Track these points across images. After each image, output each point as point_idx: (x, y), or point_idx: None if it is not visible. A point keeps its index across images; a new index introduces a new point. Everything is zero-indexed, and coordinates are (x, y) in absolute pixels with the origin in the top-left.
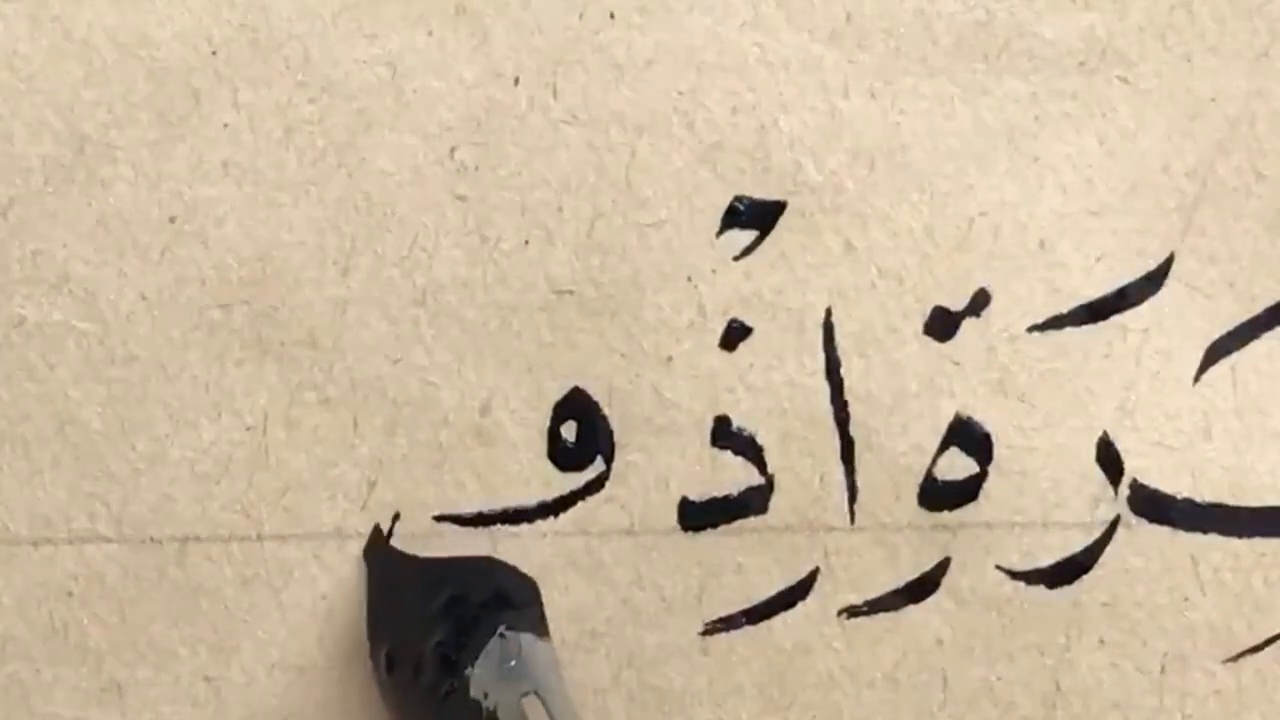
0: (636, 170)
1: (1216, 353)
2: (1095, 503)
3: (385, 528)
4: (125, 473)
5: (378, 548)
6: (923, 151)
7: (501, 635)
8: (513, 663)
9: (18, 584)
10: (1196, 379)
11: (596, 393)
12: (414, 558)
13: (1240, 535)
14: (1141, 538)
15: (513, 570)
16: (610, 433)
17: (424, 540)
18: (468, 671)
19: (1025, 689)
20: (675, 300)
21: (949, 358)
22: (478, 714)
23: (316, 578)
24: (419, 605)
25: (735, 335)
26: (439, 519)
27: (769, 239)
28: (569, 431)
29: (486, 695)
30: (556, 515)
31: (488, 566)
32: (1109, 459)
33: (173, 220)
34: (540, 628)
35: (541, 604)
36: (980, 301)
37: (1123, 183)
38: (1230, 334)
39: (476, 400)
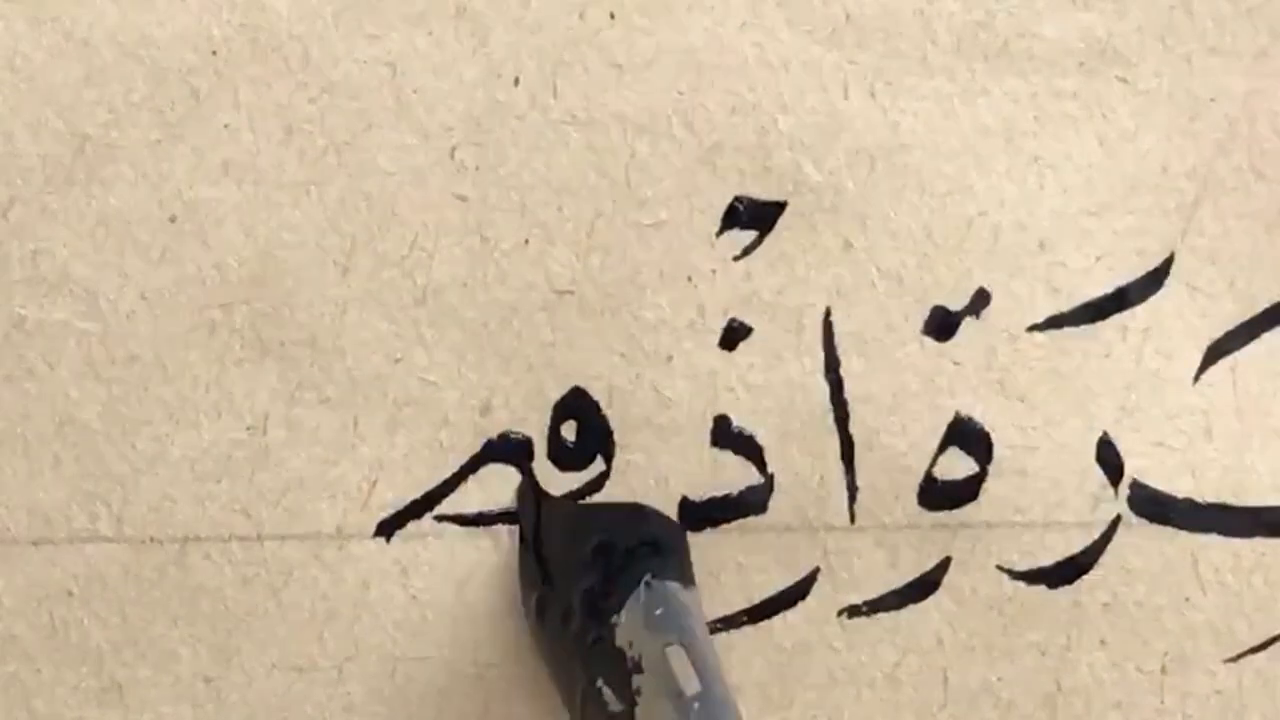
0: (636, 170)
1: (1216, 352)
2: (1095, 502)
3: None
4: (125, 472)
5: (528, 492)
6: (922, 151)
7: (647, 584)
8: (658, 611)
9: (18, 584)
10: (1196, 378)
11: (596, 392)
12: (563, 502)
13: (1241, 535)
14: (1142, 537)
15: (660, 516)
16: (610, 432)
17: (422, 540)
18: (614, 619)
19: (1026, 688)
20: (675, 300)
21: (949, 357)
22: (622, 663)
23: (316, 578)
24: (568, 551)
25: (735, 335)
26: (439, 519)
27: (769, 239)
28: (569, 431)
29: (631, 644)
30: None
31: (635, 513)
32: (1109, 459)
33: (173, 220)
34: (686, 575)
35: (688, 550)
36: (980, 301)
37: (1122, 183)
38: (1230, 333)
39: (477, 400)
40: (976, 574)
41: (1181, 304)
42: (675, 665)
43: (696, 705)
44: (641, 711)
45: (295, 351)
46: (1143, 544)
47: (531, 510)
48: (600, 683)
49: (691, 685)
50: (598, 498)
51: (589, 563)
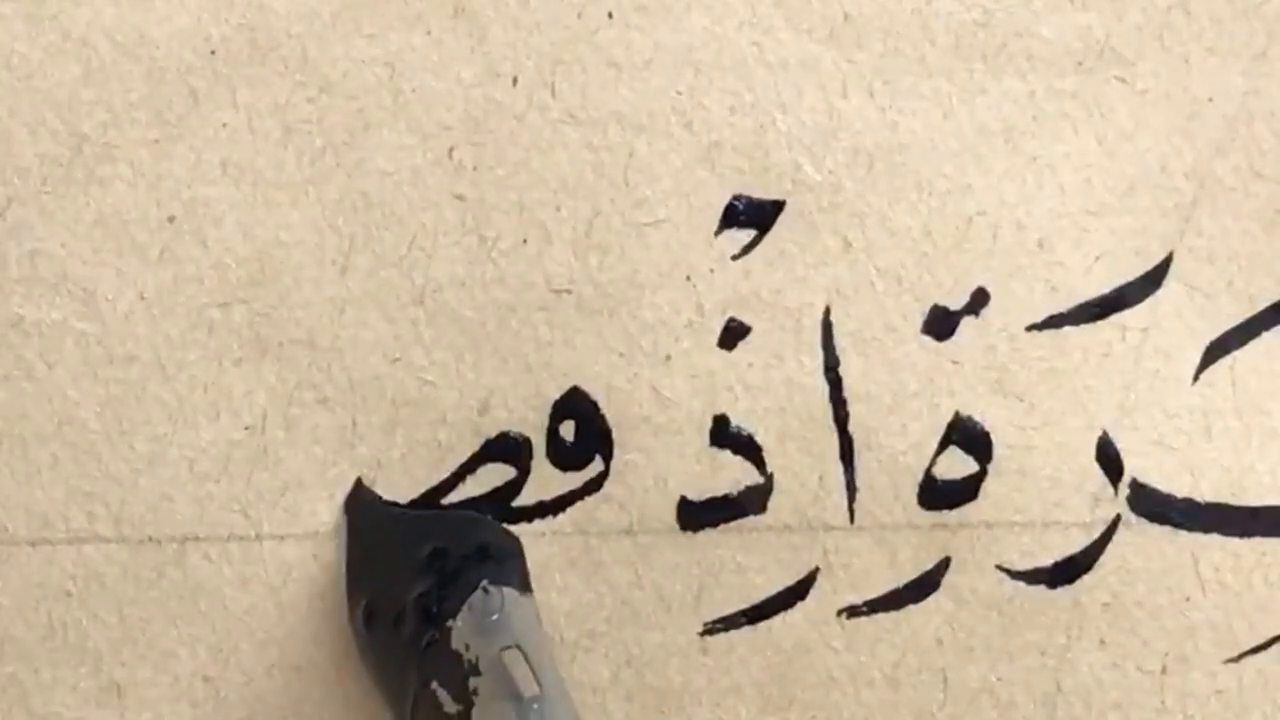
0: (635, 170)
1: (1215, 352)
2: (1095, 502)
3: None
4: (124, 472)
5: (360, 499)
6: (921, 151)
7: (484, 589)
8: (494, 616)
9: (16, 584)
10: (1196, 378)
11: (595, 392)
12: (397, 510)
13: (1240, 535)
14: (1142, 537)
15: (496, 525)
16: (609, 432)
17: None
18: (449, 623)
19: (1025, 689)
20: (674, 299)
21: (948, 357)
22: (458, 666)
23: (315, 577)
24: (401, 557)
25: (734, 334)
26: None
27: (767, 238)
28: (567, 431)
29: (468, 647)
30: (555, 515)
31: (471, 521)
32: (1109, 458)
33: (171, 220)
34: (522, 582)
35: (524, 559)
36: (979, 300)
37: (1121, 182)
38: (1229, 333)
39: (475, 400)
40: (976, 574)
41: (1180, 303)
42: (513, 668)
43: (536, 706)
44: (479, 712)
45: (293, 351)
46: (1142, 544)
47: (363, 517)
48: (435, 684)
49: (530, 688)
50: (596, 498)
51: (423, 568)
